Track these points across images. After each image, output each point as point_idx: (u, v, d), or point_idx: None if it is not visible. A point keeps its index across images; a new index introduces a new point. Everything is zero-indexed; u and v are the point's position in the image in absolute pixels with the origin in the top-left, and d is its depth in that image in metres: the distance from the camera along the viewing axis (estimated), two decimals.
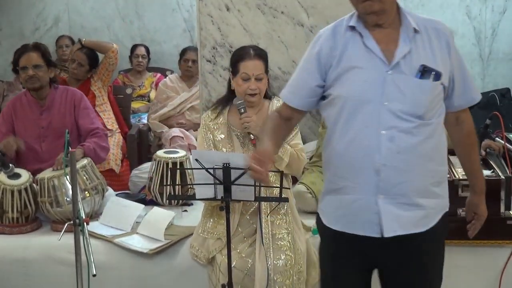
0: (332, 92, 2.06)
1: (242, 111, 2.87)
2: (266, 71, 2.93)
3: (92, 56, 4.75)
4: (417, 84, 2.00)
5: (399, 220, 2.02)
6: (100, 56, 4.85)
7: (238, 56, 2.92)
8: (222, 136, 2.90)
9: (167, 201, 3.39)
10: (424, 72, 2.00)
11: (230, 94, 2.98)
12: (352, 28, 2.06)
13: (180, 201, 3.43)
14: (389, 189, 2.00)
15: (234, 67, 2.92)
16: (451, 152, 2.27)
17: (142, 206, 3.21)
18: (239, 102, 2.87)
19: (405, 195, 2.02)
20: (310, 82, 2.10)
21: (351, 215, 2.06)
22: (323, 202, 2.18)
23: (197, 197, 2.67)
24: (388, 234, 2.01)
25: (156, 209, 3.20)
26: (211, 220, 2.90)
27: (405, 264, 2.09)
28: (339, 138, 2.05)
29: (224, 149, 2.87)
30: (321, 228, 2.20)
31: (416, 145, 2.00)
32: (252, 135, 2.84)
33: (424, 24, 2.05)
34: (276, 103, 2.97)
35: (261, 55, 2.93)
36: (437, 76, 2.01)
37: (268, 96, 3.01)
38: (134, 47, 6.04)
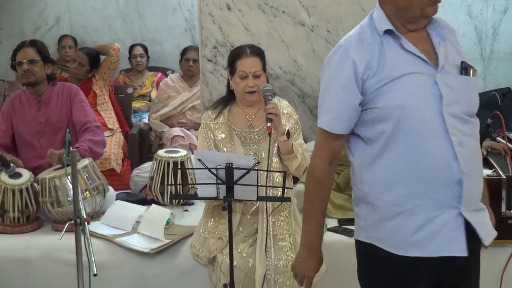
0: (376, 105, 1.87)
1: (270, 98, 2.77)
2: (264, 69, 2.92)
3: (92, 55, 4.76)
4: (466, 82, 1.91)
5: (485, 226, 1.91)
6: (102, 57, 4.86)
7: (235, 55, 2.92)
8: (223, 135, 2.90)
9: (169, 200, 3.39)
10: (466, 68, 1.92)
11: (230, 94, 2.98)
12: (387, 32, 1.89)
13: (181, 200, 3.43)
14: (469, 198, 1.86)
15: (231, 66, 2.92)
16: None
17: (144, 207, 3.20)
18: (267, 88, 2.78)
19: (477, 201, 1.91)
20: (352, 101, 1.88)
21: (429, 236, 1.85)
22: (382, 230, 1.90)
23: (199, 197, 2.67)
24: (487, 242, 1.90)
25: (154, 207, 3.18)
26: (212, 220, 2.90)
27: (466, 276, 1.96)
28: (404, 154, 1.84)
29: (225, 149, 2.86)
30: (382, 258, 1.92)
31: (477, 146, 1.92)
32: (270, 123, 2.69)
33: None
34: (276, 103, 2.96)
35: (258, 52, 2.92)
36: (475, 71, 1.95)
37: None
38: (132, 47, 6.04)
